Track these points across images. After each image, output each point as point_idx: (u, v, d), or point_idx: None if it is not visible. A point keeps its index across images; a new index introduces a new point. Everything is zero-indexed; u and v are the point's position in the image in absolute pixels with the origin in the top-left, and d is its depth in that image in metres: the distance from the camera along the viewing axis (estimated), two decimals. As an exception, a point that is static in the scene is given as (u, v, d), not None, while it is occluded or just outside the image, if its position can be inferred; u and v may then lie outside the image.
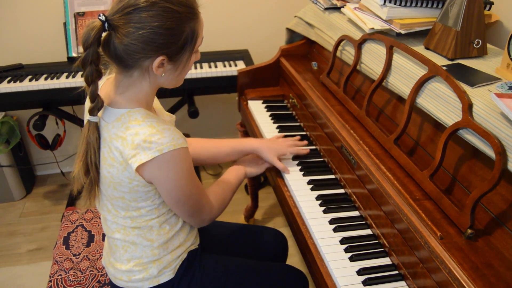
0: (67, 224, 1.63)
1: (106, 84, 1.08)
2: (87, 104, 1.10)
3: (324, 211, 1.26)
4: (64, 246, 1.53)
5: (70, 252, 1.50)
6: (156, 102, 1.20)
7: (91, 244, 1.54)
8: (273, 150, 1.41)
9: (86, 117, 1.02)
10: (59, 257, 1.48)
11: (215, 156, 1.41)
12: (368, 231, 1.20)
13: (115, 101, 1.02)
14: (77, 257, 1.48)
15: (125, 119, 0.99)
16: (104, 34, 0.95)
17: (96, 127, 1.01)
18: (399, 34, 1.44)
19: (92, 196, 1.07)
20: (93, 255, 1.49)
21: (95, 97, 0.97)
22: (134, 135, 0.96)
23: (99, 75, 0.98)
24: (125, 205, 1.07)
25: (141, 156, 0.96)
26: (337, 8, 1.77)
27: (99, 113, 1.01)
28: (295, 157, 1.50)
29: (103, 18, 0.92)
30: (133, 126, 0.98)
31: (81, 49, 2.27)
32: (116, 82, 1.02)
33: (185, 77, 1.09)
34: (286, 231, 2.02)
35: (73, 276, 1.41)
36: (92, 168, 1.02)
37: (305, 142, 1.54)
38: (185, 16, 0.96)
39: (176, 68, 1.02)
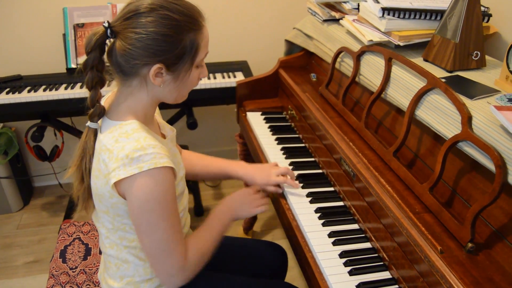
0: (64, 237, 1.62)
1: (110, 96, 1.09)
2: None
3: (323, 224, 1.24)
4: (61, 259, 1.51)
5: (67, 265, 1.49)
6: (158, 116, 1.19)
7: (88, 257, 1.52)
8: (259, 180, 1.36)
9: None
10: (56, 271, 1.46)
11: (203, 175, 1.39)
12: (367, 245, 1.18)
13: (112, 112, 1.02)
14: (74, 270, 1.47)
15: (116, 131, 0.97)
16: (110, 42, 0.96)
17: (94, 134, 1.01)
18: (397, 46, 1.44)
19: (89, 205, 1.06)
20: (90, 268, 1.48)
21: (94, 103, 0.98)
22: (120, 149, 0.93)
23: (101, 82, 0.99)
24: (110, 219, 1.04)
25: (120, 171, 0.92)
26: (335, 20, 1.77)
27: (99, 122, 1.02)
28: (294, 169, 1.49)
29: (106, 24, 0.94)
30: (121, 140, 0.95)
31: (80, 61, 2.29)
32: (117, 92, 1.03)
33: (187, 92, 1.07)
34: (285, 243, 2.00)
35: (69, 289, 1.39)
36: (86, 176, 1.02)
37: (295, 174, 1.45)
38: (184, 25, 0.95)
39: (175, 80, 1.00)
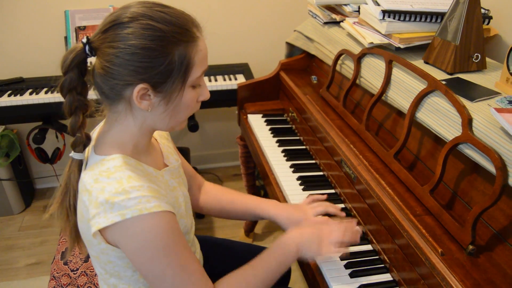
0: (65, 239, 1.62)
1: (101, 124, 0.97)
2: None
3: (324, 226, 1.25)
4: (62, 261, 1.51)
5: (68, 267, 1.49)
6: (166, 144, 1.08)
7: (89, 259, 1.53)
8: (294, 222, 1.16)
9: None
10: (57, 273, 1.47)
11: (227, 212, 1.25)
12: (368, 247, 1.18)
13: (98, 143, 0.90)
14: (75, 272, 1.47)
15: (97, 168, 0.84)
16: (94, 62, 0.84)
17: (79, 167, 0.88)
18: (398, 49, 1.44)
19: (81, 245, 0.94)
20: (91, 270, 1.48)
21: (75, 132, 0.86)
22: (99, 191, 0.80)
23: (84, 108, 0.87)
24: (102, 265, 0.92)
25: (100, 218, 0.80)
26: (336, 23, 1.78)
27: (87, 152, 0.90)
28: (295, 171, 1.50)
29: (85, 40, 0.82)
30: (102, 179, 0.82)
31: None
32: (105, 120, 0.92)
33: (184, 118, 0.92)
34: (286, 246, 1.99)
35: (71, 292, 1.40)
36: (71, 213, 0.89)
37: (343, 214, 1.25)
38: (171, 37, 0.81)
39: (166, 103, 0.85)
